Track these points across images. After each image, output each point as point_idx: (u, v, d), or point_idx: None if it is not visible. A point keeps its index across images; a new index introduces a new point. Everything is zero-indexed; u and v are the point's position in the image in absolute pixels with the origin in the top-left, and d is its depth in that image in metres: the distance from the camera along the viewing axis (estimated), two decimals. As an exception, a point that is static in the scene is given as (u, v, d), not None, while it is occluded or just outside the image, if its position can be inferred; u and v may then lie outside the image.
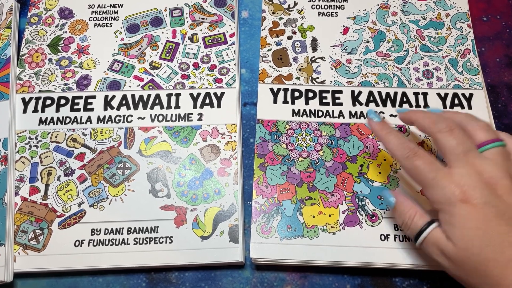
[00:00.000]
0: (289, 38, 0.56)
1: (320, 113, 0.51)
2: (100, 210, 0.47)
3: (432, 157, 0.39)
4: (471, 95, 0.52)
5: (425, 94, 0.52)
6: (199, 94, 0.52)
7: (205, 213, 0.46)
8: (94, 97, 0.52)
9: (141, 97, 0.52)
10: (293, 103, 0.52)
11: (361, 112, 0.51)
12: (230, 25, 0.56)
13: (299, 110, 0.51)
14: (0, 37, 0.55)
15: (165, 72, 0.54)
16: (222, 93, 0.52)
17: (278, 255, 0.44)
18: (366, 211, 0.46)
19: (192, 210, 0.47)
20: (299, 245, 0.45)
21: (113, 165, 0.49)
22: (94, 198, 0.47)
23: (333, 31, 0.56)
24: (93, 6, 0.58)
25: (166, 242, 0.45)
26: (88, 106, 0.52)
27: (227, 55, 0.55)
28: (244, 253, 0.45)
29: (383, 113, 0.51)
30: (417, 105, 0.51)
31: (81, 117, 0.51)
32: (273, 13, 0.57)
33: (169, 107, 0.52)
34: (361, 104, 0.52)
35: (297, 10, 0.58)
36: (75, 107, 0.52)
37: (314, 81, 0.53)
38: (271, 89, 0.52)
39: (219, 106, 0.52)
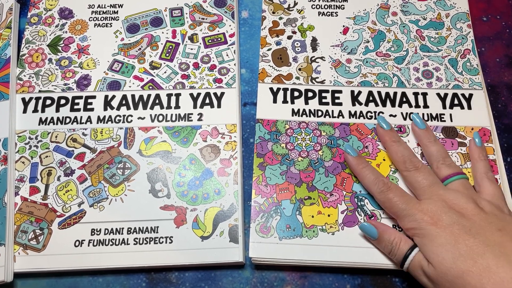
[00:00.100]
0: (289, 37, 0.56)
1: (320, 113, 0.51)
2: (100, 210, 0.47)
3: (403, 191, 0.44)
4: (470, 95, 0.52)
5: (424, 94, 0.52)
6: (199, 94, 0.52)
7: (205, 213, 0.47)
8: (94, 97, 0.52)
9: (141, 97, 0.52)
10: (292, 102, 0.52)
11: (361, 112, 0.51)
12: (230, 25, 0.56)
13: (298, 109, 0.51)
14: (0, 37, 0.55)
15: (165, 72, 0.54)
16: (222, 93, 0.52)
17: (277, 255, 0.44)
18: (365, 211, 0.46)
19: (192, 210, 0.47)
20: (298, 245, 0.45)
21: (113, 165, 0.49)
22: (94, 198, 0.47)
23: (333, 31, 0.56)
24: (93, 6, 0.58)
25: (166, 242, 0.45)
26: (88, 106, 0.52)
27: (227, 55, 0.55)
28: (244, 253, 0.45)
29: (382, 113, 0.51)
30: (417, 105, 0.51)
31: (81, 117, 0.51)
32: (273, 12, 0.57)
33: (169, 107, 0.52)
34: (360, 104, 0.52)
35: (297, 9, 0.58)
36: (75, 107, 0.52)
37: (313, 81, 0.53)
38: (271, 89, 0.52)
39: (219, 106, 0.52)
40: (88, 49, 0.55)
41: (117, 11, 0.58)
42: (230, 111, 0.51)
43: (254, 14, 0.59)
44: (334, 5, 0.58)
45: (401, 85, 0.53)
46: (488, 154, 0.48)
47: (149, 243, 0.45)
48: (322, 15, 0.57)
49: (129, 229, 0.46)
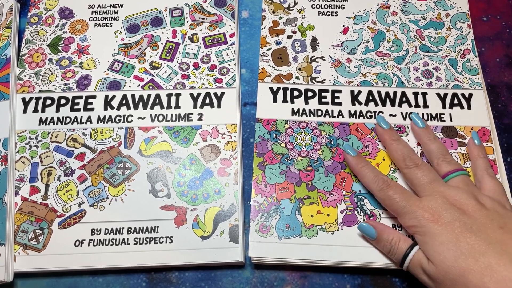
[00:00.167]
0: (289, 37, 0.56)
1: (320, 113, 0.51)
2: (100, 210, 0.47)
3: (403, 188, 0.44)
4: (470, 95, 0.52)
5: (424, 94, 0.52)
6: (199, 94, 0.52)
7: (205, 213, 0.47)
8: (94, 97, 0.52)
9: (141, 97, 0.52)
10: (292, 102, 0.52)
11: (361, 111, 0.51)
12: (230, 25, 0.56)
13: (298, 109, 0.51)
14: (0, 37, 0.55)
15: (165, 72, 0.54)
16: (222, 93, 0.52)
17: (277, 254, 0.44)
18: (364, 211, 0.46)
19: (192, 210, 0.47)
20: (297, 244, 0.45)
21: (113, 165, 0.49)
22: (94, 198, 0.47)
23: (333, 30, 0.56)
24: (93, 6, 0.58)
25: (166, 242, 0.45)
26: (88, 106, 0.52)
27: (227, 55, 0.55)
28: (244, 253, 0.45)
29: (382, 112, 0.51)
30: (417, 105, 0.51)
31: (81, 117, 0.51)
32: (273, 12, 0.57)
33: (169, 107, 0.52)
34: (360, 103, 0.52)
35: (297, 9, 0.58)
36: (75, 107, 0.52)
37: (313, 81, 0.53)
38: (271, 88, 0.52)
39: (219, 106, 0.52)
40: (88, 49, 0.55)
41: (117, 11, 0.58)
42: (230, 111, 0.51)
43: (254, 14, 0.59)
44: (334, 4, 0.58)
45: (401, 85, 0.53)
46: (488, 154, 0.48)
47: (149, 243, 0.45)
48: (322, 15, 0.57)
49: (129, 229, 0.46)
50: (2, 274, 0.43)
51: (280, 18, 0.57)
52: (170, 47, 0.55)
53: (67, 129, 0.51)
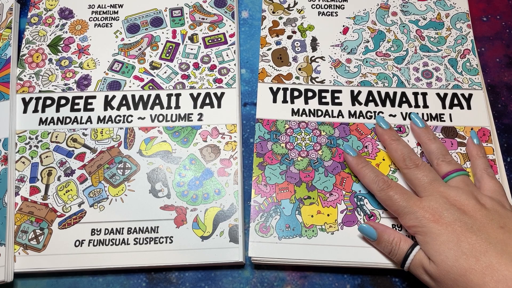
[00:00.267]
0: (289, 37, 0.56)
1: (320, 113, 0.51)
2: (100, 210, 0.47)
3: (404, 188, 0.44)
4: (470, 95, 0.52)
5: (424, 94, 0.52)
6: (199, 94, 0.52)
7: (205, 213, 0.47)
8: (94, 97, 0.52)
9: (141, 97, 0.52)
10: (292, 102, 0.52)
11: (360, 112, 0.51)
12: (230, 25, 0.56)
13: (298, 109, 0.51)
14: (0, 37, 0.55)
15: (165, 72, 0.54)
16: (222, 93, 0.52)
17: (277, 254, 0.44)
18: (364, 211, 0.46)
19: (192, 210, 0.47)
20: (297, 244, 0.45)
21: (113, 165, 0.49)
22: (94, 198, 0.47)
23: (333, 30, 0.56)
24: (93, 6, 0.58)
25: (166, 242, 0.45)
26: (88, 106, 0.52)
27: (227, 55, 0.55)
28: (244, 253, 0.45)
29: (382, 112, 0.51)
30: (417, 105, 0.51)
31: (81, 117, 0.51)
32: (273, 12, 0.57)
33: (169, 107, 0.52)
34: (360, 103, 0.52)
35: (297, 9, 0.58)
36: (75, 107, 0.52)
37: (313, 81, 0.53)
38: (271, 89, 0.52)
39: (219, 106, 0.52)
40: (88, 49, 0.55)
41: (117, 11, 0.58)
42: (230, 111, 0.51)
43: (254, 14, 0.59)
44: (334, 5, 0.58)
45: (401, 85, 0.53)
46: (488, 154, 0.48)
47: (149, 243, 0.45)
48: (322, 15, 0.57)
49: (129, 229, 0.46)
50: (2, 274, 0.43)
51: (280, 18, 0.57)
52: (170, 47, 0.55)
53: (67, 129, 0.51)
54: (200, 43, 0.55)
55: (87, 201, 0.47)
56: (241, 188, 0.48)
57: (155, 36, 0.56)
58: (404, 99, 0.52)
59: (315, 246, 0.45)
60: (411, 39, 0.55)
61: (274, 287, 0.45)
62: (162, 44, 0.55)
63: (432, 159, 0.46)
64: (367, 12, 0.58)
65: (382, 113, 0.51)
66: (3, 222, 0.45)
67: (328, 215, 0.46)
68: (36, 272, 0.45)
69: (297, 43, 0.55)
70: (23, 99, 0.52)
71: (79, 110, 0.52)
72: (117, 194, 0.48)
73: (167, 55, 0.55)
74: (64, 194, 0.48)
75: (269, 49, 0.55)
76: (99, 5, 0.58)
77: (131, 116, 0.51)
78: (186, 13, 0.57)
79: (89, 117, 0.51)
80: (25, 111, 0.52)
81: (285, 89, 0.52)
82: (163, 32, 0.56)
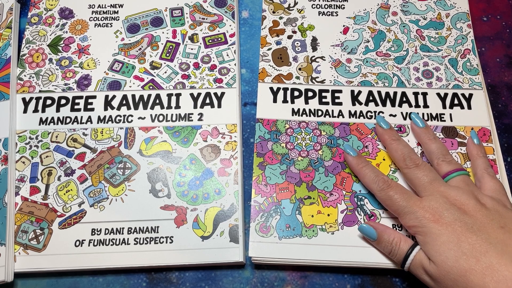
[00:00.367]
0: (289, 37, 0.56)
1: (320, 113, 0.51)
2: (100, 210, 0.47)
3: (404, 188, 0.44)
4: (470, 95, 0.52)
5: (424, 94, 0.52)
6: (199, 94, 0.52)
7: (205, 213, 0.47)
8: (94, 97, 0.52)
9: (141, 97, 0.52)
10: (292, 102, 0.52)
11: (361, 111, 0.51)
12: (230, 25, 0.56)
13: (298, 109, 0.51)
14: (0, 37, 0.55)
15: (165, 72, 0.54)
16: (223, 93, 0.52)
17: (277, 254, 0.44)
18: (364, 211, 0.46)
19: (193, 210, 0.47)
20: (297, 244, 0.45)
21: (114, 165, 0.49)
22: (94, 198, 0.47)
23: (333, 30, 0.56)
24: (93, 6, 0.58)
25: (166, 242, 0.45)
26: (89, 106, 0.52)
27: (227, 55, 0.55)
28: (244, 253, 0.45)
29: (382, 112, 0.51)
30: (417, 105, 0.51)
31: (82, 117, 0.51)
32: (273, 12, 0.57)
33: (169, 107, 0.52)
34: (360, 103, 0.52)
35: (297, 9, 0.58)
36: (76, 107, 0.52)
37: (313, 81, 0.53)
38: (271, 88, 0.52)
39: (219, 106, 0.52)
40: (88, 49, 0.55)
41: (117, 11, 0.58)
42: (230, 111, 0.51)
43: (254, 14, 0.59)
44: (334, 4, 0.58)
45: (401, 85, 0.53)
46: (488, 154, 0.48)
47: (150, 243, 0.45)
48: (322, 15, 0.57)
49: (130, 229, 0.46)
50: (2, 274, 0.43)
51: (280, 18, 0.57)
52: (170, 47, 0.55)
53: (67, 129, 0.51)
54: (200, 43, 0.55)
55: (87, 201, 0.47)
56: (241, 188, 0.48)
57: (155, 36, 0.56)
58: (404, 99, 0.52)
59: (315, 246, 0.45)
60: (411, 39, 0.55)
61: (274, 287, 0.45)
62: (162, 44, 0.55)
63: (433, 159, 0.46)
64: (368, 12, 0.57)
65: (383, 113, 0.51)
66: (3, 222, 0.45)
67: (328, 215, 0.46)
68: (36, 272, 0.45)
69: (297, 43, 0.55)
70: (23, 99, 0.52)
71: (79, 110, 0.52)
72: (117, 194, 0.48)
73: (167, 55, 0.55)
74: (64, 194, 0.48)
75: (269, 49, 0.55)
76: (99, 5, 0.58)
77: (131, 116, 0.51)
78: (186, 13, 0.57)
79: (89, 117, 0.51)
80: (25, 111, 0.52)
81: (285, 89, 0.52)
82: (163, 32, 0.56)
